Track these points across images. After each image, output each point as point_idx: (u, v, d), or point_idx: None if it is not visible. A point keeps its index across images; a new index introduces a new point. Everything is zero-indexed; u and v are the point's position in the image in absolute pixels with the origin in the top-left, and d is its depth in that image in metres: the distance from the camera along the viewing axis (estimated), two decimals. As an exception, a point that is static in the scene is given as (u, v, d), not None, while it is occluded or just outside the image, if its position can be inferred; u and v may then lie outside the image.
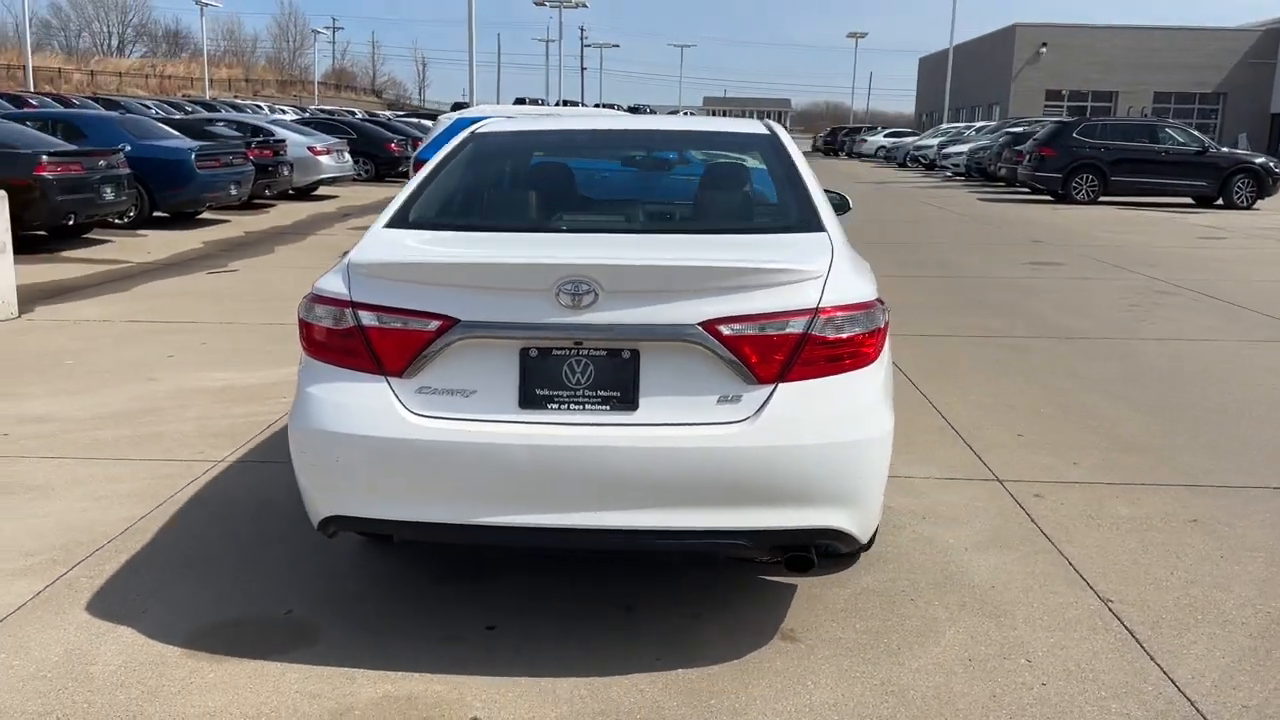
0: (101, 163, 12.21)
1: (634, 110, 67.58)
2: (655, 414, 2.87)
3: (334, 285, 3.03)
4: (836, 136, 56.47)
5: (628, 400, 2.88)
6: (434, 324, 2.89)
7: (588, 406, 2.89)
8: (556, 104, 76.03)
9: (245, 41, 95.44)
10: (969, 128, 38.97)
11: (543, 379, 2.90)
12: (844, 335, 2.94)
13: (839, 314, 2.93)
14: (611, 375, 2.89)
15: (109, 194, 12.22)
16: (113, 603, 3.42)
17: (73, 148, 12.34)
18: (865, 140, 49.54)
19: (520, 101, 76.25)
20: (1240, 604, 3.54)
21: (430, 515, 2.92)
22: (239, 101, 45.27)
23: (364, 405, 2.92)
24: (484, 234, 3.39)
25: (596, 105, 74.78)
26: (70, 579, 3.59)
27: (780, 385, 2.88)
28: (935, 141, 37.54)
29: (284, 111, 41.71)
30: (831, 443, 2.87)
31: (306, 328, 3.05)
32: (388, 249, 3.15)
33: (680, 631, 3.28)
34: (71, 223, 11.86)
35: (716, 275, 2.87)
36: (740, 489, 2.84)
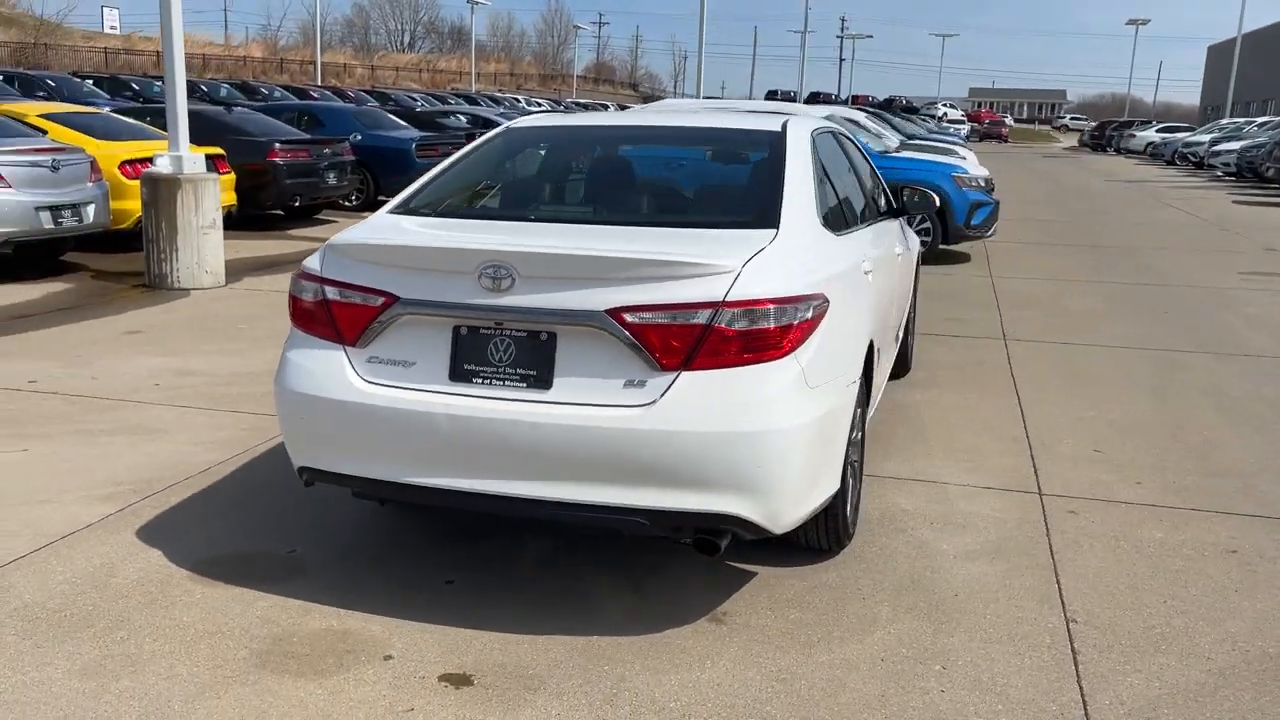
0: (327, 150, 13.48)
1: (813, 98, 66.07)
2: (567, 393, 3.07)
3: (313, 263, 3.42)
4: (1104, 131, 53.10)
5: (543, 379, 3.10)
6: (379, 300, 3.22)
7: (508, 383, 3.13)
8: (806, 98, 75.27)
9: (514, 37, 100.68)
10: (1250, 123, 35.63)
11: (471, 355, 3.17)
12: (751, 329, 3.03)
13: (747, 308, 3.03)
14: (529, 355, 3.12)
15: (331, 179, 13.47)
16: (157, 529, 3.98)
17: (303, 136, 13.69)
18: (1134, 135, 46.35)
19: (772, 95, 76.08)
20: (1222, 639, 3.32)
21: (374, 472, 3.25)
22: (499, 95, 47.86)
23: (325, 370, 3.29)
24: (457, 220, 3.68)
25: (770, 94, 72.98)
26: (138, 507, 4.19)
27: (683, 373, 3.01)
28: (1207, 138, 34.59)
29: (539, 104, 43.82)
30: (730, 431, 2.97)
31: (292, 299, 3.45)
32: (363, 232, 3.51)
33: (616, 605, 3.46)
34: (298, 204, 13.18)
35: (621, 265, 3.04)
36: (639, 470, 3.00)
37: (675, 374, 3.01)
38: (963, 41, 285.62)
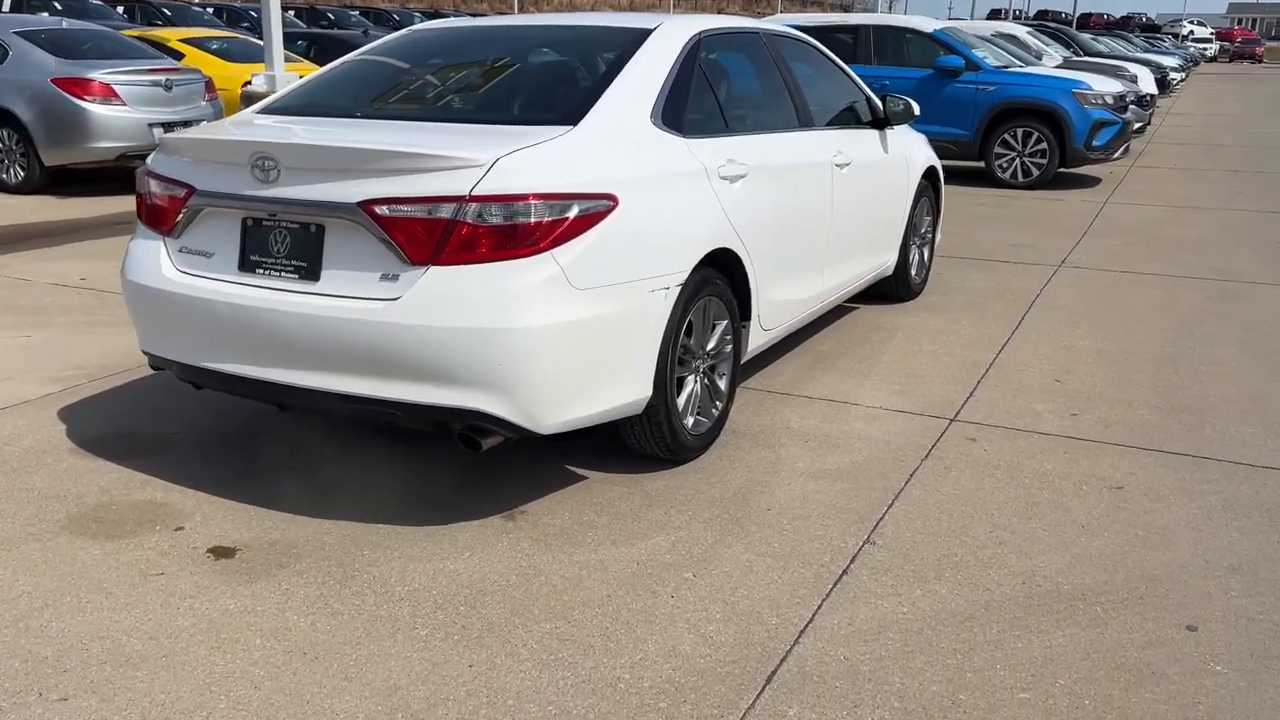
0: None
1: (1040, 15, 62.16)
2: (332, 286, 3.16)
3: (149, 159, 3.62)
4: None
5: (312, 272, 3.20)
6: (183, 191, 3.39)
7: (283, 274, 3.24)
8: (1034, 15, 70.65)
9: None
10: None
11: (255, 246, 3.30)
12: (500, 224, 3.01)
13: (494, 203, 3.01)
14: (301, 247, 3.22)
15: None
16: (77, 408, 4.36)
17: None
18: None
19: (995, 14, 71.79)
20: (1020, 573, 3.10)
21: (183, 357, 3.46)
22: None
23: (149, 260, 3.50)
24: (292, 117, 3.79)
25: (993, 13, 68.29)
26: (79, 389, 4.59)
27: (431, 268, 3.03)
28: None
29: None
30: (472, 328, 2.98)
31: (136, 194, 3.68)
32: (194, 130, 3.67)
33: (420, 496, 3.56)
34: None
35: (373, 158, 3.07)
36: (391, 364, 3.07)
37: (424, 269, 3.04)
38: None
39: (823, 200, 4.65)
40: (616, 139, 3.41)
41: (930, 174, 6.17)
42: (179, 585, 2.99)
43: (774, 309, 4.29)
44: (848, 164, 4.91)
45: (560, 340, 3.09)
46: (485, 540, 3.26)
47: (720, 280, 3.80)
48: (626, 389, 3.36)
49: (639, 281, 3.32)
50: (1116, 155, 11.12)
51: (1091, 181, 11.71)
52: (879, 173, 5.33)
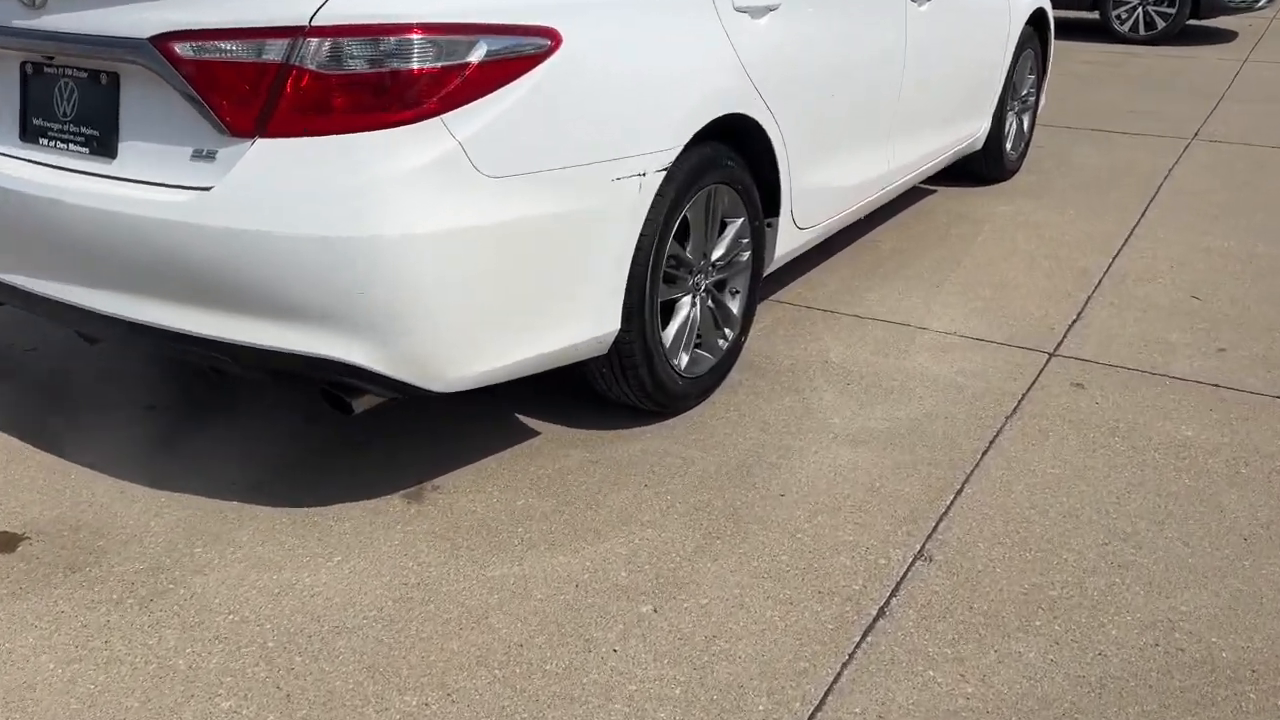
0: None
1: None
2: (131, 166, 2.13)
3: None
4: None
5: (106, 145, 2.17)
6: None
7: (71, 146, 2.22)
8: None
9: None
10: None
11: (38, 105, 2.28)
12: (357, 72, 1.93)
13: (349, 38, 1.92)
14: (92, 106, 2.18)
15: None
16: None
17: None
18: None
19: None
20: (1139, 624, 2.04)
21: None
22: None
23: None
24: None
25: None
26: None
27: (258, 141, 1.98)
28: None
29: None
30: (317, 236, 1.95)
31: None
32: None
33: (306, 459, 2.60)
34: None
35: (166, -29, 1.99)
36: (204, 285, 2.06)
37: (247, 142, 1.99)
38: None
39: (892, 48, 3.43)
40: None
41: (1037, 19, 4.84)
42: (-91, 602, 2.09)
43: (815, 200, 3.16)
44: (955, 11, 3.68)
45: (459, 257, 2.03)
46: (369, 536, 2.29)
47: (733, 160, 2.69)
48: (577, 324, 2.32)
49: (595, 166, 2.23)
50: (1260, 4, 9.41)
51: (1226, 36, 10.02)
52: (971, 13, 4.06)
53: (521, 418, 2.79)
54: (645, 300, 2.48)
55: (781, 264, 3.19)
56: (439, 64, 1.96)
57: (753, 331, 3.27)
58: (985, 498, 2.43)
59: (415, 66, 1.95)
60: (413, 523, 2.34)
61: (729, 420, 2.77)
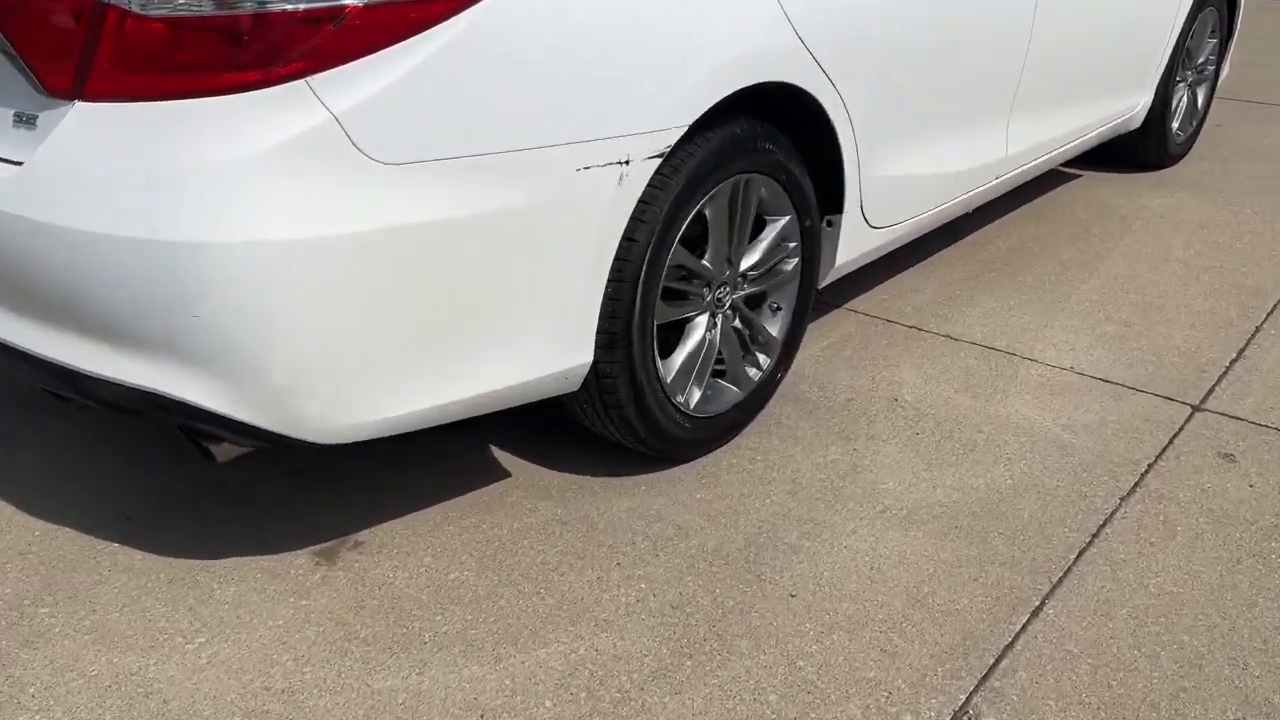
0: None
1: None
2: (-41, 130, 1.67)
3: None
4: None
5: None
6: None
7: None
8: None
9: None
10: None
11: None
12: (188, 14, 1.40)
13: (176, -31, 1.39)
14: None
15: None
16: None
17: None
18: None
19: None
20: None
21: None
22: None
23: None
24: None
25: None
26: None
27: (76, 104, 1.48)
28: None
29: None
30: (128, 236, 1.44)
31: None
32: None
33: (203, 495, 2.13)
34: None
35: None
36: (21, 287, 1.58)
37: (69, 105, 1.49)
38: None
39: (1015, 2, 2.71)
40: None
41: (1224, -30, 3.96)
42: None
43: (895, 192, 2.49)
44: None
45: (333, 270, 1.49)
46: (252, 609, 1.80)
47: (774, 144, 2.06)
48: (527, 356, 1.76)
49: (548, 151, 1.65)
50: None
51: None
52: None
53: (496, 451, 2.26)
54: (634, 324, 1.90)
55: (846, 272, 2.55)
56: (302, 3, 1.41)
57: (812, 349, 2.65)
58: (1072, 625, 1.77)
59: (270, 7, 1.40)
60: (311, 594, 1.84)
61: (751, 474, 2.17)
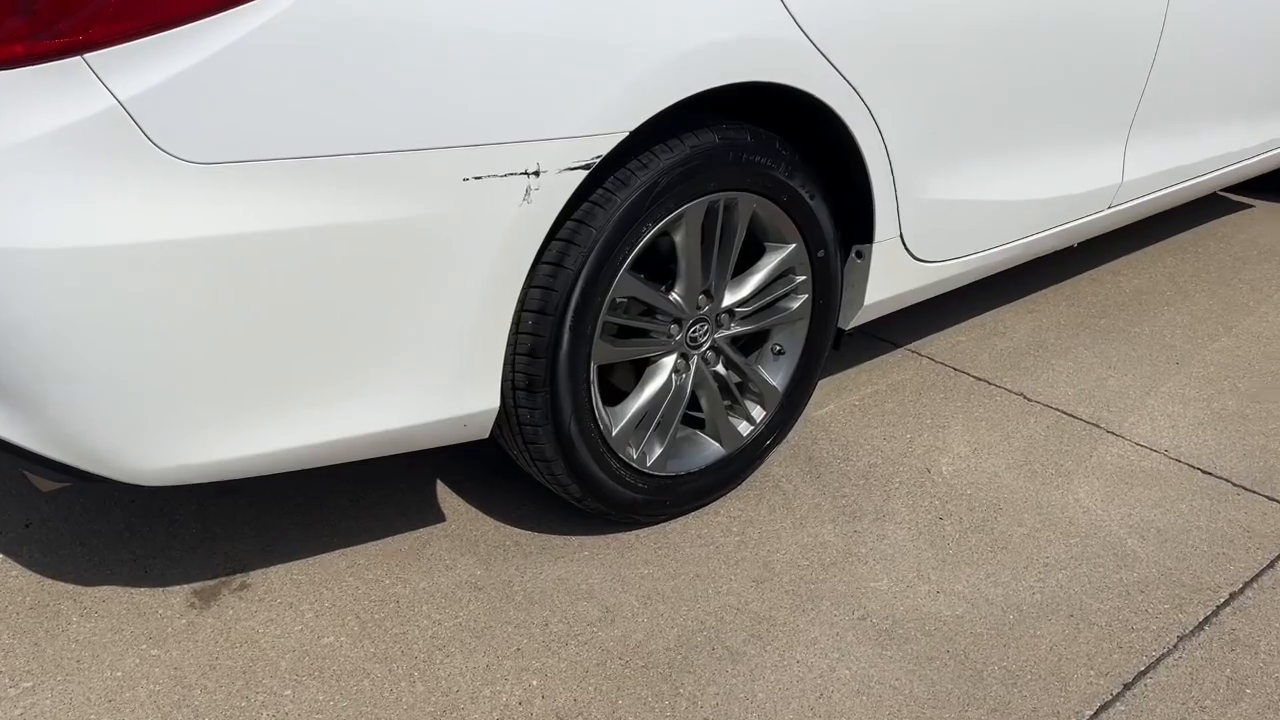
0: None
1: None
2: None
3: None
4: None
5: None
6: None
7: None
8: None
9: None
10: None
11: None
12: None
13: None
14: None
15: None
16: None
17: None
18: None
19: None
20: None
21: None
22: None
23: None
24: None
25: None
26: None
27: None
28: None
29: None
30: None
31: None
32: None
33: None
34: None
35: None
36: None
37: None
38: None
39: (1137, -6, 2.21)
40: None
41: None
42: None
43: (954, 219, 2.06)
44: None
45: (122, 288, 1.24)
46: (95, 654, 1.59)
47: (766, 157, 1.69)
48: (399, 399, 1.48)
49: (421, 155, 1.34)
50: None
51: None
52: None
53: (441, 488, 1.98)
54: (560, 365, 1.58)
55: (885, 313, 2.13)
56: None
57: (849, 397, 2.25)
58: None
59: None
60: (166, 642, 1.61)
61: (719, 550, 1.81)
